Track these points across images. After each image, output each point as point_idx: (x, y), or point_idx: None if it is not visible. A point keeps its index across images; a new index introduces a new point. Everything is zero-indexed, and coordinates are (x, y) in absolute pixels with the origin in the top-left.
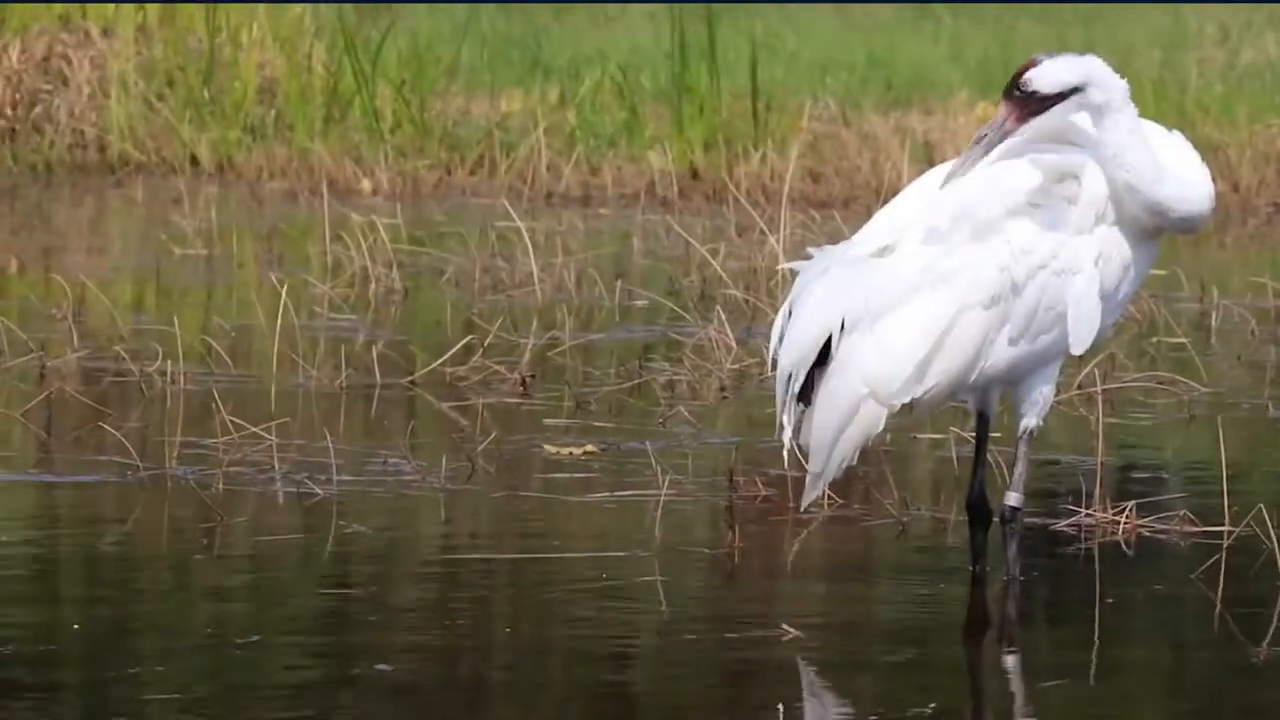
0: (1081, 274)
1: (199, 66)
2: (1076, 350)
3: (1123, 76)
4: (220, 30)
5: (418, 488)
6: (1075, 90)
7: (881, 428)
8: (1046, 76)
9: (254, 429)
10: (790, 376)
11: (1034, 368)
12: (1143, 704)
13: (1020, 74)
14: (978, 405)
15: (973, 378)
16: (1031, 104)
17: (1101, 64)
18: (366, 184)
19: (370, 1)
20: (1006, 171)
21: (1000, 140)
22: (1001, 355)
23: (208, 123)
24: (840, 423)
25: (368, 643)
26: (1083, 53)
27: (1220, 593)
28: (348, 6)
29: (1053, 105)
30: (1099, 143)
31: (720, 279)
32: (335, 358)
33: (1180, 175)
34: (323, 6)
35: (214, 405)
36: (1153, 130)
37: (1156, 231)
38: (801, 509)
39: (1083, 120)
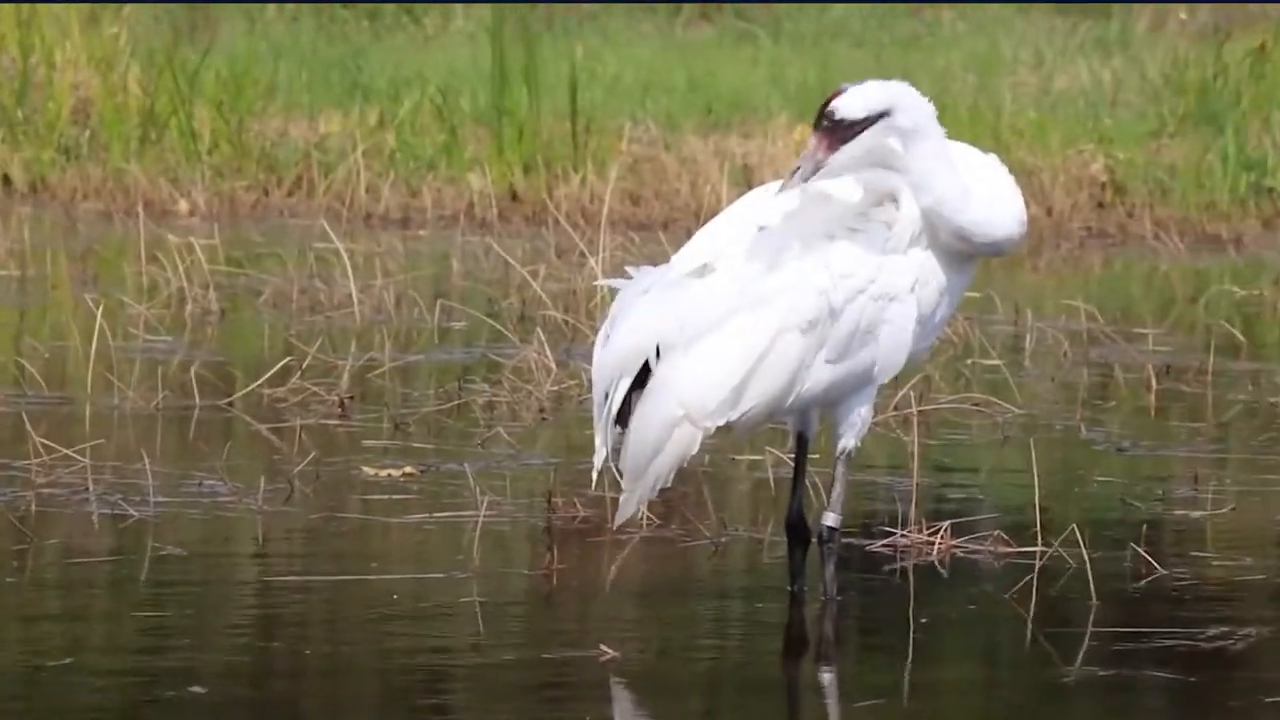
0: (898, 299)
1: (12, 86)
2: (883, 378)
3: (933, 101)
4: (34, 49)
5: (234, 509)
6: (882, 115)
7: (696, 449)
8: (852, 103)
9: (67, 451)
10: (607, 398)
11: (852, 390)
12: None
13: (826, 104)
14: (797, 426)
15: (789, 401)
16: (839, 132)
17: (908, 89)
18: (183, 204)
19: (188, 1)
20: (826, 194)
21: (814, 171)
22: (819, 378)
23: (21, 143)
24: (656, 444)
25: (182, 665)
26: (890, 79)
27: (1032, 612)
28: (164, 26)
29: (861, 131)
30: (906, 168)
31: (540, 300)
32: (151, 379)
33: (989, 200)
34: (139, 27)
35: (26, 427)
36: (965, 153)
37: (969, 255)
38: (614, 527)
39: (896, 145)
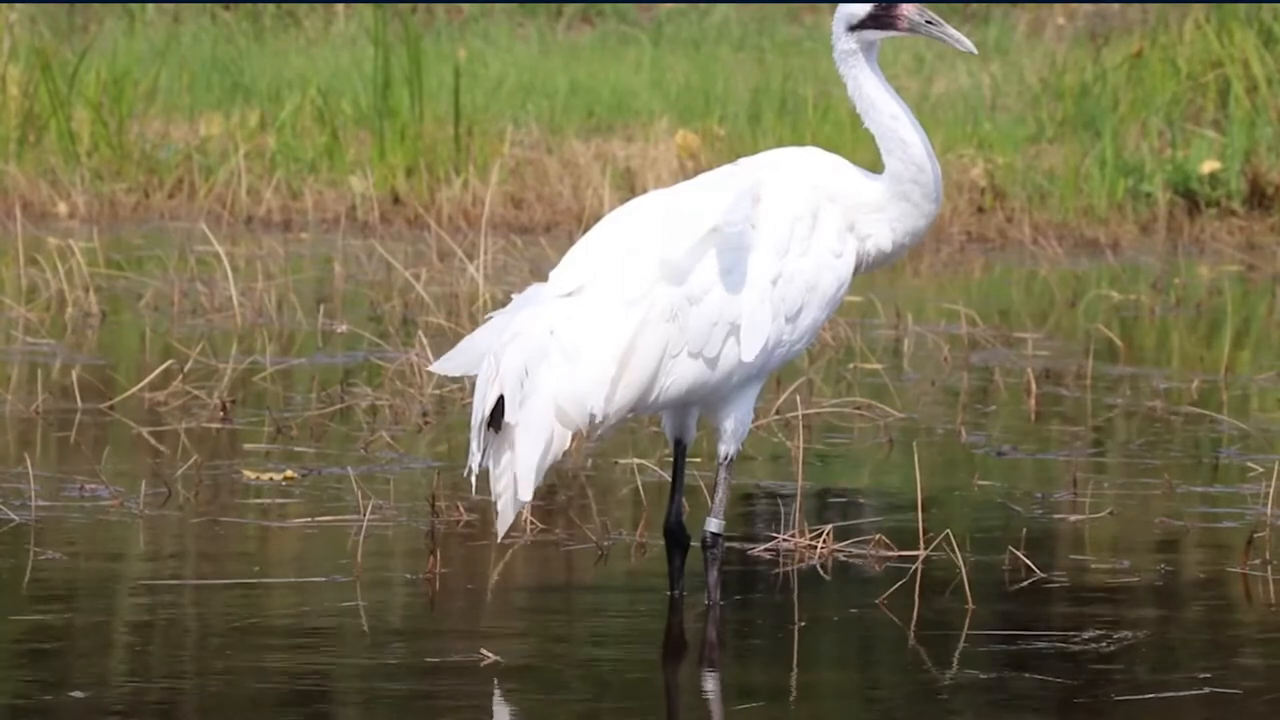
0: (754, 289)
1: None
2: (747, 357)
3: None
4: None
5: (116, 513)
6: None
7: (567, 446)
8: None
9: None
10: (481, 400)
11: (723, 391)
12: None
13: None
14: (674, 432)
15: (655, 396)
16: None
17: None
18: (63, 207)
19: (67, 1)
20: (691, 206)
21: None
22: (683, 373)
23: None
24: (533, 447)
25: (63, 670)
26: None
27: (913, 616)
28: (43, 27)
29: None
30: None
31: (422, 304)
32: (31, 382)
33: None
34: (15, 26)
35: None
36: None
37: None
38: (500, 538)
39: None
